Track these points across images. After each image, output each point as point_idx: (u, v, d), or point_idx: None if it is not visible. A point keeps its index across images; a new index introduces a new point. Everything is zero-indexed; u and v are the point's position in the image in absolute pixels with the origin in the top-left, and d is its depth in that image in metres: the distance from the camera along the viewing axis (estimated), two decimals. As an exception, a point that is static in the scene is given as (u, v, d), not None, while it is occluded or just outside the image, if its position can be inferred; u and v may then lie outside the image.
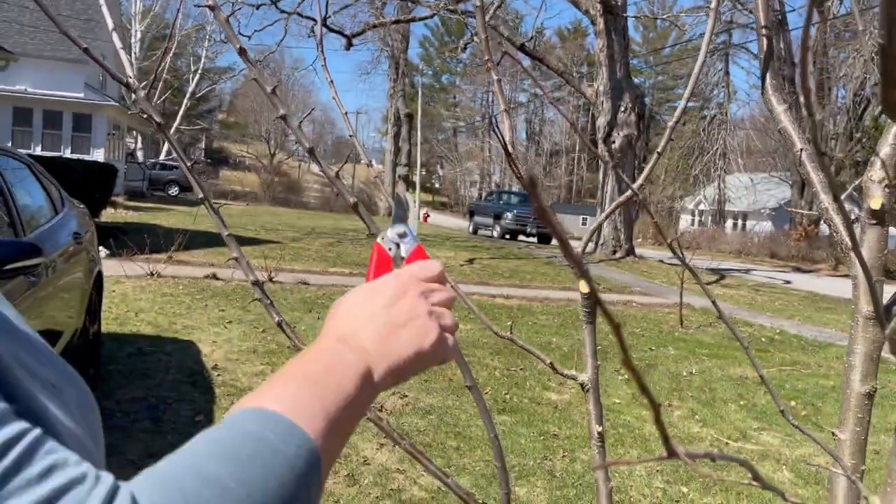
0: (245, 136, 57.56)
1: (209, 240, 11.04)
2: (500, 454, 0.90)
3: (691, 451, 0.56)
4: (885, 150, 0.87)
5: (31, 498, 0.37)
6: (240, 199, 34.88)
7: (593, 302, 0.98)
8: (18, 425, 0.40)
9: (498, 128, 0.88)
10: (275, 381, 0.51)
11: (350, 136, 0.98)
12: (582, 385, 0.96)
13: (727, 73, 35.68)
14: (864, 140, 25.95)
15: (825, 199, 0.84)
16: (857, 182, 0.88)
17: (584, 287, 0.91)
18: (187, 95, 39.10)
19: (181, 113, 38.05)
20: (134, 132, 30.10)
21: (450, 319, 0.60)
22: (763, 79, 0.96)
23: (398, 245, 0.69)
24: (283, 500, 0.43)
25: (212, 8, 0.80)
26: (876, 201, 0.82)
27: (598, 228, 1.02)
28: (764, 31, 0.94)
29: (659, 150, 0.96)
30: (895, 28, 0.42)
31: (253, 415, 0.46)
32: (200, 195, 0.88)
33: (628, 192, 0.93)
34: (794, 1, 34.38)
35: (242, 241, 11.80)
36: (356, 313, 0.58)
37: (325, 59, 1.05)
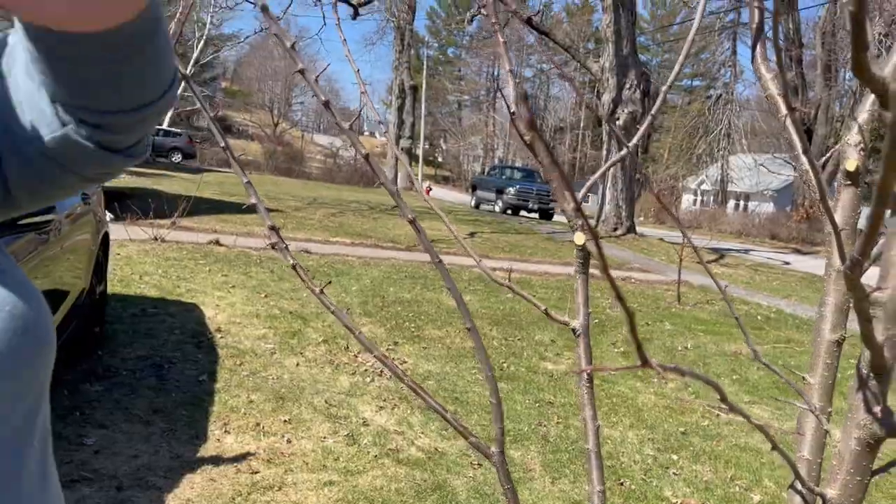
0: (248, 104, 57.26)
1: (212, 206, 11.11)
2: (496, 390, 0.97)
3: (661, 365, 0.63)
4: (862, 115, 0.93)
5: None
6: (242, 167, 34.77)
7: (586, 253, 1.06)
8: None
9: (501, 90, 0.95)
10: None
11: (362, 92, 1.03)
12: (573, 330, 1.03)
13: (734, 53, 35.42)
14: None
15: (804, 161, 0.90)
16: (836, 147, 0.94)
17: (578, 239, 0.98)
18: (191, 62, 38.86)
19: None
20: (137, 98, 29.95)
21: None
22: (754, 48, 1.02)
23: None
24: None
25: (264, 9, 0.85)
26: (851, 163, 0.89)
27: (602, 175, 1.09)
28: (756, 4, 1.00)
29: (652, 112, 1.02)
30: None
31: None
32: (222, 144, 0.94)
33: (623, 151, 0.99)
34: (804, -20, 33.95)
35: (244, 209, 11.85)
36: None
37: (339, 19, 1.10)
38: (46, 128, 0.54)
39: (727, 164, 36.59)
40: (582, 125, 53.58)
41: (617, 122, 16.66)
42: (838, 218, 0.91)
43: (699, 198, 41.36)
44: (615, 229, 17.43)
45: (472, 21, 20.47)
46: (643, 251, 14.74)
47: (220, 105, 51.61)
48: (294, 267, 1.01)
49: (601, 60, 17.23)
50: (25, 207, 0.61)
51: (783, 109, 0.99)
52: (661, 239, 17.40)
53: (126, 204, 9.33)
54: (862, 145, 0.90)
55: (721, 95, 35.37)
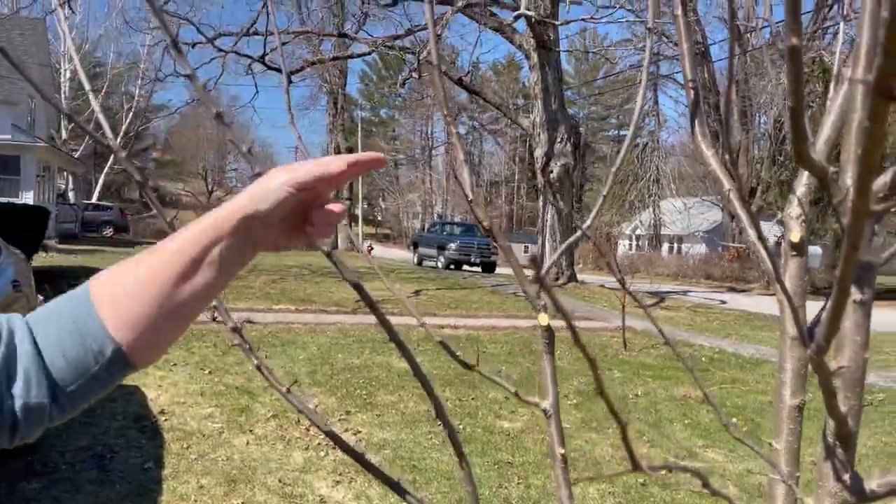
0: (181, 173, 56.56)
1: (149, 281, 10.77)
2: (471, 478, 0.96)
3: (651, 466, 0.64)
4: (800, 189, 0.98)
5: None
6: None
7: (550, 333, 1.07)
8: None
9: (458, 177, 0.98)
10: None
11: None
12: (544, 411, 1.03)
13: (656, 103, 36.98)
14: (786, 163, 27.22)
15: (752, 234, 0.94)
16: (778, 217, 0.99)
17: (542, 320, 0.99)
18: (120, 134, 38.29)
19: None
20: (65, 173, 29.24)
21: (285, 174, 0.69)
22: (692, 127, 1.07)
23: None
24: None
25: (190, 77, 0.86)
26: (795, 235, 0.93)
27: (552, 264, 1.11)
28: (691, 84, 1.05)
29: (604, 192, 1.05)
30: (801, 92, 0.51)
31: None
32: (167, 219, 0.92)
33: (578, 234, 1.02)
34: (715, 34, 35.97)
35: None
36: None
37: (289, 98, 1.11)
38: (35, 391, 0.63)
39: (659, 209, 37.81)
40: (517, 178, 54.77)
41: (551, 175, 17.11)
42: (787, 286, 0.95)
43: (635, 243, 42.49)
44: (557, 279, 17.69)
45: (404, 84, 20.88)
46: (585, 299, 14.97)
47: (151, 176, 50.80)
48: (258, 367, 0.99)
49: (532, 116, 17.75)
50: None
51: (726, 184, 1.04)
52: (602, 286, 17.73)
53: (58, 283, 8.99)
54: (803, 217, 0.95)
55: (647, 143, 36.74)
